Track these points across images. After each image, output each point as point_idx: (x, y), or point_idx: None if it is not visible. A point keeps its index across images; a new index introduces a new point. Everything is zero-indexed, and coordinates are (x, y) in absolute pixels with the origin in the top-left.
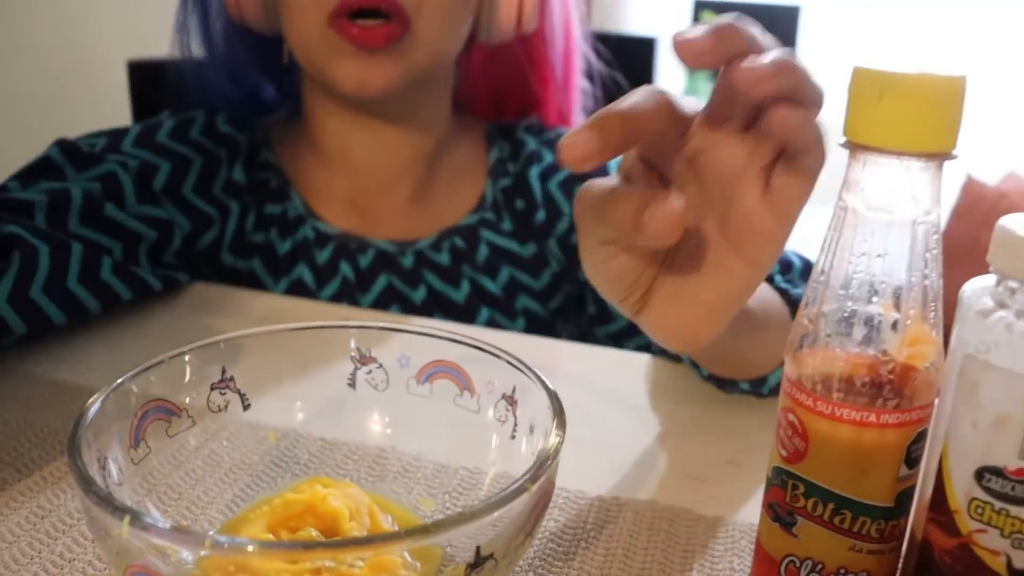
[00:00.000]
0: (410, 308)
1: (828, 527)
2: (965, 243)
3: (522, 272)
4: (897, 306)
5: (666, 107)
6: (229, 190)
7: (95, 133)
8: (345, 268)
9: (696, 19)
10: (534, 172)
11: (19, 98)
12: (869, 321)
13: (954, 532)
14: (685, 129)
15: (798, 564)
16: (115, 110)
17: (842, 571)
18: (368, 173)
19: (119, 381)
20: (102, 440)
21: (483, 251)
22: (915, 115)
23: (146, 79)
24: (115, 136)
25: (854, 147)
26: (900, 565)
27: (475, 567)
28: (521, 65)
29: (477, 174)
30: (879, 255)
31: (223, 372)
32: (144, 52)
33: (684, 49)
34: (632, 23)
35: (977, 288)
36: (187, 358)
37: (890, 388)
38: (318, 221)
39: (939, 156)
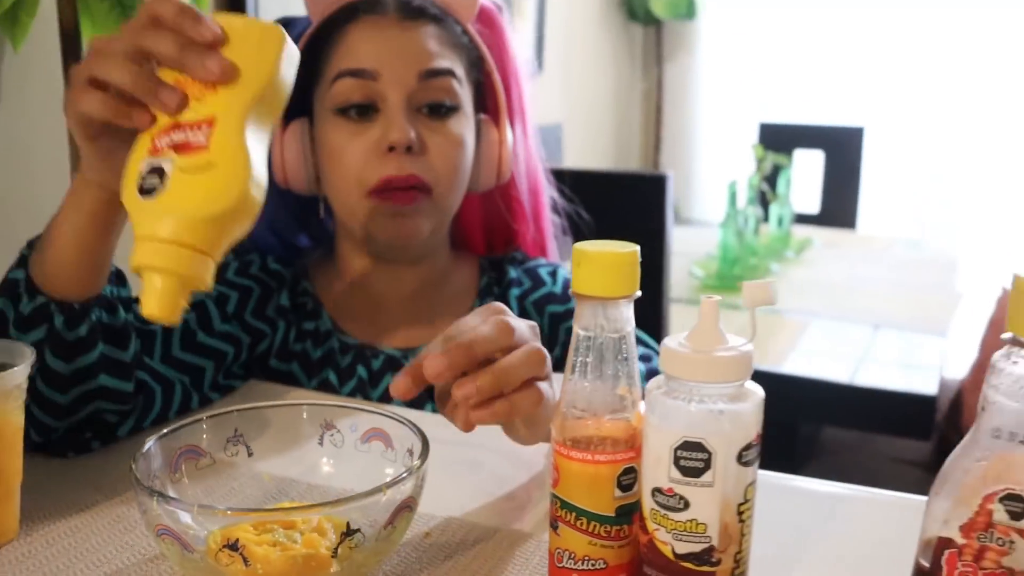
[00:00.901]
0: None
1: (574, 528)
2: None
3: None
4: (605, 389)
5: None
6: (278, 312)
7: None
8: (361, 371)
9: (760, 159)
10: (513, 293)
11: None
12: (586, 397)
13: (646, 532)
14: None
15: (561, 553)
16: None
17: (586, 558)
18: (384, 297)
19: (164, 431)
20: (153, 466)
21: None
22: (598, 275)
23: None
24: None
25: (574, 294)
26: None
27: (347, 535)
28: (500, 206)
29: (469, 296)
30: (586, 360)
31: (235, 430)
32: None
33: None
34: (701, 160)
35: (655, 379)
36: (205, 424)
37: (598, 440)
38: (342, 335)
39: (621, 298)
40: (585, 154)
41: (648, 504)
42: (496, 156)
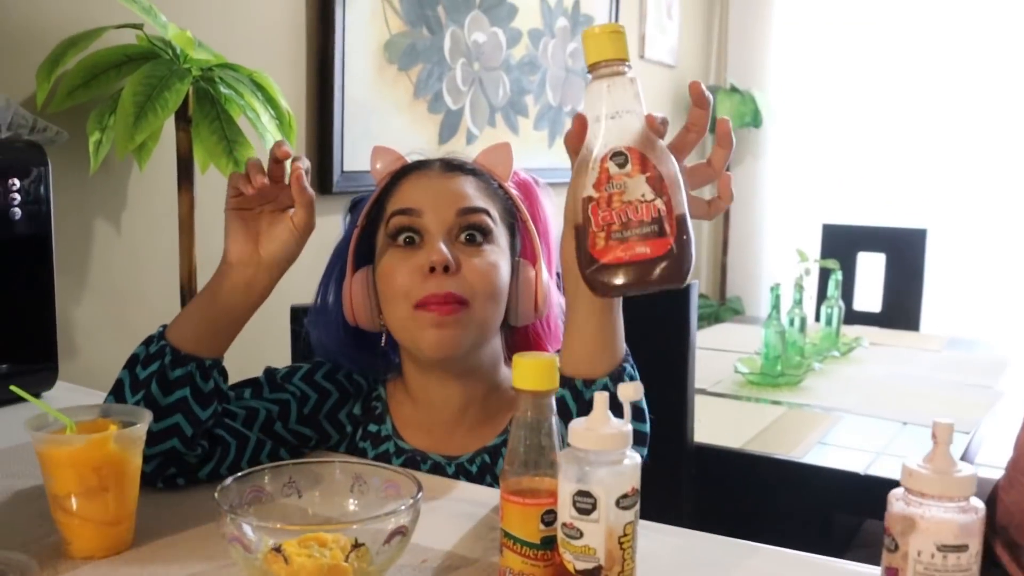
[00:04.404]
0: (428, 467)
1: (513, 552)
2: None
3: None
4: (537, 454)
5: None
6: (349, 418)
7: (285, 366)
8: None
9: (803, 261)
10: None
11: None
12: (522, 461)
13: (558, 554)
14: None
15: (505, 570)
16: (279, 341)
17: (521, 573)
18: (437, 410)
19: (239, 475)
20: (230, 498)
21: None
22: (530, 376)
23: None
24: (293, 370)
25: (514, 388)
26: None
27: (355, 547)
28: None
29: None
30: (521, 434)
31: (290, 478)
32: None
33: None
34: (766, 260)
35: (567, 449)
36: (268, 474)
37: (530, 490)
38: (400, 440)
39: (546, 392)
40: None
41: (559, 534)
42: (532, 292)
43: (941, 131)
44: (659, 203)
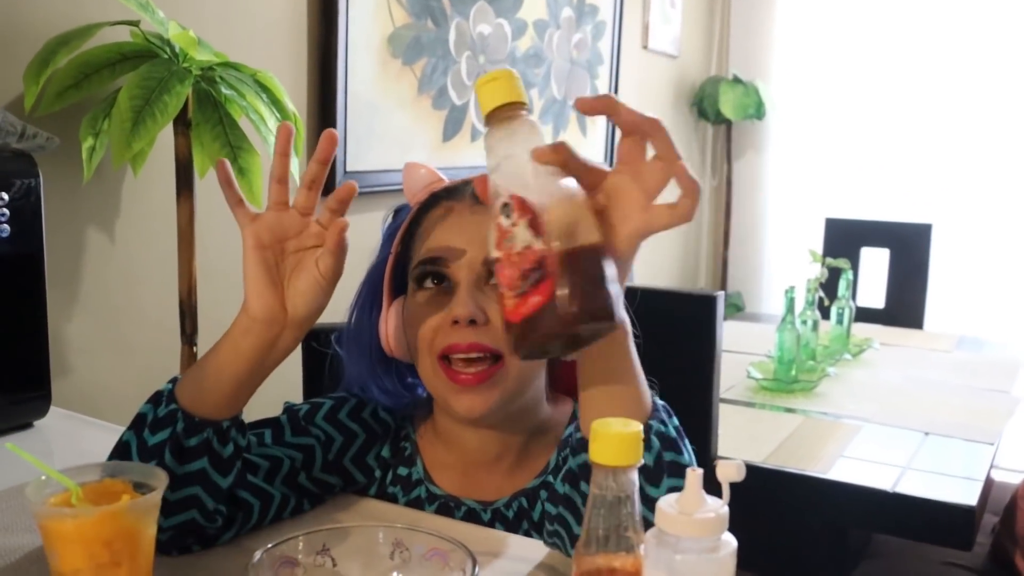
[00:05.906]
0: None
1: None
2: None
3: None
4: (614, 535)
5: None
6: (377, 461)
7: (306, 402)
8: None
9: (816, 261)
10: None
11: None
12: (600, 539)
13: None
14: None
15: None
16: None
17: None
18: (471, 455)
19: (269, 545)
20: (260, 573)
21: (539, 509)
22: (610, 448)
23: (312, 338)
24: (315, 408)
25: (592, 462)
26: None
27: None
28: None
29: (550, 448)
30: (599, 511)
31: (324, 545)
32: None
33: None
34: (769, 254)
35: (652, 530)
36: (301, 540)
37: (607, 570)
38: (431, 484)
39: (628, 467)
40: (653, 242)
41: None
42: None
43: (947, 124)
44: (538, 245)
